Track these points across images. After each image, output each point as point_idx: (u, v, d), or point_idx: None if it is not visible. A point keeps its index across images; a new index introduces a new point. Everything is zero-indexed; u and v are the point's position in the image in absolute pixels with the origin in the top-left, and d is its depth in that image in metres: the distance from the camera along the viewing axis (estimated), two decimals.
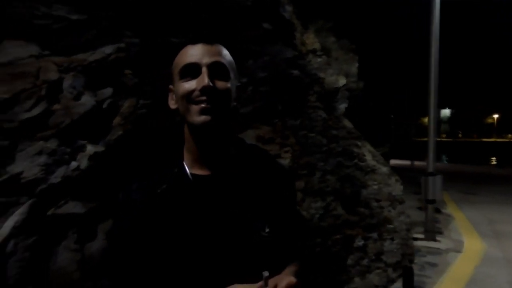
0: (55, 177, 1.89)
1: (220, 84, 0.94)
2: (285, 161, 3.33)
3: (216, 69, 0.95)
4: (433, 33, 6.40)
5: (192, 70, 0.95)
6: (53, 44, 2.19)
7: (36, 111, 1.96)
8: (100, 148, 2.08)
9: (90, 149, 2.04)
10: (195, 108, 0.93)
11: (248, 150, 1.07)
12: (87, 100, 2.13)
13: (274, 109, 3.48)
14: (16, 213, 1.74)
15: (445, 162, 27.97)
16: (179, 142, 1.03)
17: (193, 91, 0.93)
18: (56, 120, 2.00)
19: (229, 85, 0.96)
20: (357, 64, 7.60)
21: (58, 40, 2.20)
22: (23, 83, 1.99)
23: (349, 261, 3.62)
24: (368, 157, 4.47)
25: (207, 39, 0.97)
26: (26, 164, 1.84)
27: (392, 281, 3.94)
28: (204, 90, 0.91)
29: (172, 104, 1.01)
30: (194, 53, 0.95)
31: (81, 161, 1.99)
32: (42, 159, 1.88)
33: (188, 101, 0.94)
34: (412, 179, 9.46)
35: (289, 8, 4.10)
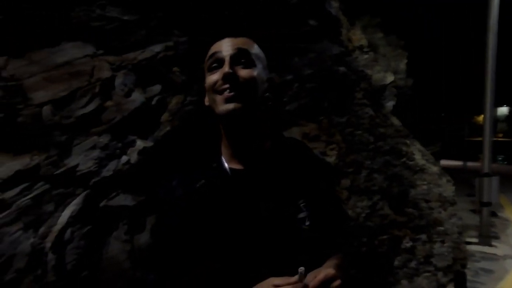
0: (107, 171, 1.98)
1: (243, 71, 0.93)
2: (331, 158, 3.28)
3: (240, 58, 0.94)
4: (490, 26, 6.04)
5: (216, 62, 0.95)
6: (106, 44, 2.29)
7: (90, 107, 2.07)
8: (149, 143, 2.16)
9: (140, 144, 2.12)
10: (219, 98, 0.93)
11: (286, 143, 1.06)
12: (137, 97, 2.21)
13: (320, 106, 3.43)
14: (72, 203, 1.84)
15: (502, 162, 26.33)
16: (218, 138, 1.04)
17: (217, 81, 0.94)
18: (109, 116, 2.10)
19: (254, 73, 0.94)
20: (405, 61, 7.33)
21: (111, 40, 2.30)
22: (79, 82, 2.10)
23: (396, 263, 3.50)
24: (418, 156, 4.30)
25: (233, 33, 0.98)
26: (81, 158, 1.94)
27: (443, 286, 3.77)
28: (225, 77, 0.91)
29: (206, 101, 1.02)
30: (219, 46, 0.97)
31: (131, 156, 2.07)
32: (96, 153, 1.98)
33: (214, 92, 0.95)
34: (464, 181, 9.01)
35: (335, 4, 4.03)
